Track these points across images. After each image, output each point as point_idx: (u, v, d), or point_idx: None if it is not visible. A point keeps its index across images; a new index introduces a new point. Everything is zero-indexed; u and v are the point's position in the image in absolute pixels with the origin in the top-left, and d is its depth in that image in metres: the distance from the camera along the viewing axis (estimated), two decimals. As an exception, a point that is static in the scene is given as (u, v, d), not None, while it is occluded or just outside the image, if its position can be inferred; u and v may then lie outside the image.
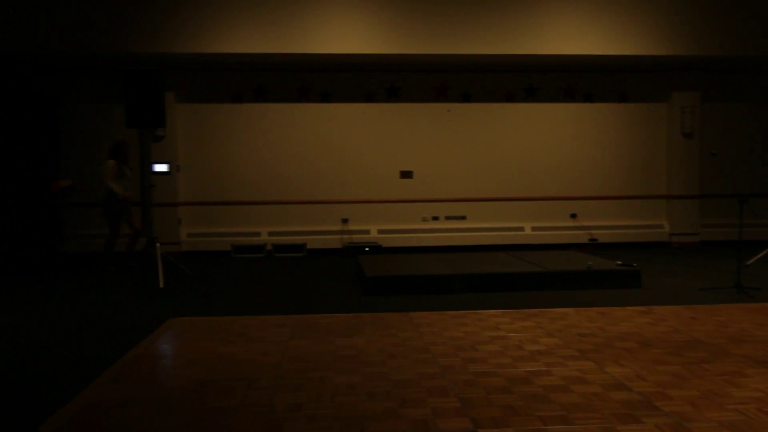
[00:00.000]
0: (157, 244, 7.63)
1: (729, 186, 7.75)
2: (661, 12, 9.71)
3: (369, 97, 10.45)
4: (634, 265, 7.45)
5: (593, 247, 10.41)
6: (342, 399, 3.70)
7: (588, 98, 10.76)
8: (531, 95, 10.68)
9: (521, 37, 9.54)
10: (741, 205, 6.90)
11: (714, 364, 4.29)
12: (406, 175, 10.48)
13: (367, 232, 10.40)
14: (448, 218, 10.46)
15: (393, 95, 10.48)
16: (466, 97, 10.58)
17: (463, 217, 10.53)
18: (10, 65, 9.10)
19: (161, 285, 7.24)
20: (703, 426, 3.28)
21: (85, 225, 9.97)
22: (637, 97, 10.85)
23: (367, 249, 9.88)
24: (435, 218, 10.49)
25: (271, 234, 10.30)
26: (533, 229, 10.61)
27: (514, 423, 3.33)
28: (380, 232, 10.38)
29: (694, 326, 5.35)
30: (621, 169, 10.81)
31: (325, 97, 10.39)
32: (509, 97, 10.65)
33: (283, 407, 3.58)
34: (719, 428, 3.25)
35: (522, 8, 9.53)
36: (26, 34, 8.98)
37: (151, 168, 8.36)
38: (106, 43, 9.14)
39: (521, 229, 10.56)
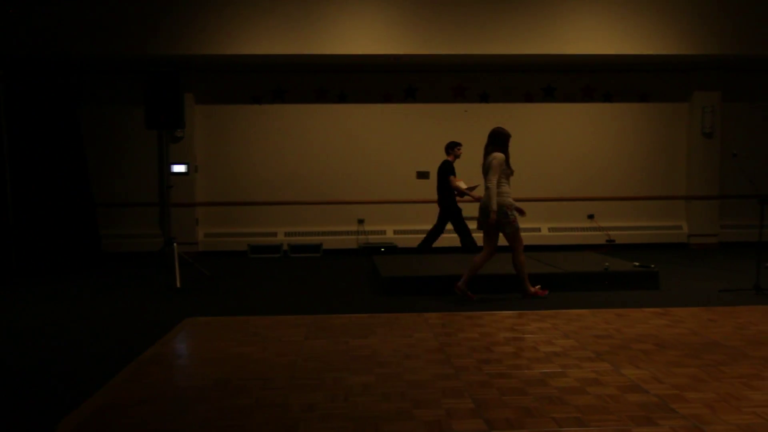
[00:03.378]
0: (175, 244, 7.70)
1: (749, 187, 7.64)
2: (681, 11, 9.60)
3: (386, 98, 10.46)
4: (652, 266, 7.38)
5: (611, 248, 10.33)
6: (356, 399, 3.71)
7: (607, 98, 10.68)
8: (549, 95, 10.62)
9: (539, 37, 9.49)
10: (762, 206, 6.81)
11: (732, 367, 4.24)
12: (422, 175, 10.46)
13: (383, 232, 10.40)
14: (465, 219, 10.41)
15: (410, 96, 10.48)
16: (483, 98, 10.55)
17: (475, 218, 10.48)
18: (33, 67, 9.22)
19: (178, 285, 7.30)
20: (720, 429, 3.24)
21: (104, 225, 10.07)
22: (656, 96, 10.74)
23: (382, 249, 9.88)
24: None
25: (287, 234, 10.34)
26: (550, 230, 10.56)
27: (529, 425, 3.32)
28: (396, 232, 10.38)
29: (712, 328, 5.29)
30: (639, 169, 10.72)
31: (343, 98, 10.42)
32: (528, 98, 10.60)
33: (298, 407, 3.60)
34: (736, 431, 3.21)
35: (540, 8, 9.48)
36: (48, 36, 9.10)
37: (169, 168, 8.43)
38: (126, 45, 9.24)
39: (538, 230, 10.50)
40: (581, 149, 10.59)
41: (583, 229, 10.56)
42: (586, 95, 10.66)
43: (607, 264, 7.31)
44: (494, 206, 6.33)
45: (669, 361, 4.40)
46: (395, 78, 10.45)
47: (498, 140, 6.58)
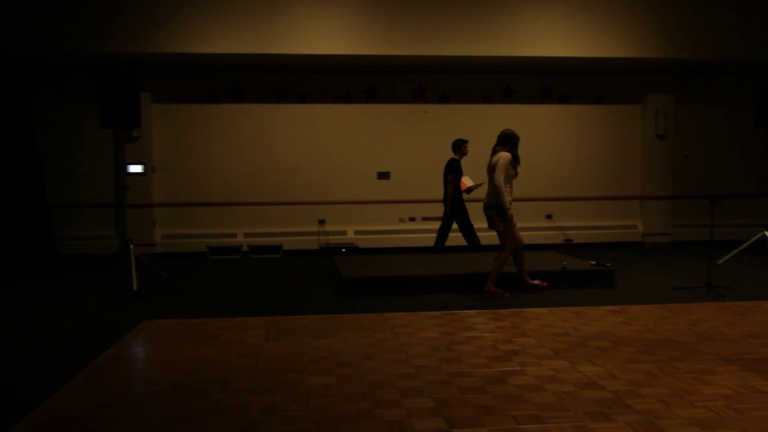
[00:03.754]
0: (131, 246, 7.56)
1: (701, 187, 7.87)
2: (636, 15, 9.81)
3: (347, 98, 10.44)
4: (608, 265, 7.53)
5: (568, 247, 10.50)
6: (317, 400, 3.70)
7: (564, 100, 10.85)
8: (508, 96, 10.74)
9: (498, 38, 9.59)
10: (712, 205, 7.01)
11: (684, 363, 4.36)
12: (383, 175, 10.49)
13: (344, 233, 10.38)
14: (425, 219, 10.48)
15: (371, 96, 10.48)
16: (443, 99, 10.62)
17: (440, 218, 10.55)
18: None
19: (135, 287, 7.17)
20: (673, 423, 3.32)
21: (70, 226, 9.82)
22: (612, 98, 10.96)
23: (343, 250, 9.86)
24: (412, 219, 10.51)
25: (247, 235, 10.24)
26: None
27: (488, 423, 3.35)
28: (357, 233, 10.37)
29: (666, 325, 5.42)
30: (596, 170, 10.91)
31: (303, 98, 10.36)
32: (487, 99, 10.70)
33: (257, 409, 3.57)
34: (689, 425, 3.30)
35: (499, 10, 9.58)
36: (-3, 32, 8.85)
37: (125, 169, 8.27)
38: (81, 43, 9.01)
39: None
40: (540, 150, 10.73)
41: (541, 228, 10.71)
42: (544, 96, 10.82)
43: (564, 263, 7.43)
44: (507, 204, 6.58)
45: (624, 357, 4.50)
46: (356, 78, 10.44)
47: (507, 141, 6.76)
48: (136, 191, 9.33)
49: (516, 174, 6.76)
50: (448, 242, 9.07)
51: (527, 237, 10.57)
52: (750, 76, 10.65)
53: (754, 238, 8.68)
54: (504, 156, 6.62)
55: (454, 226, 8.91)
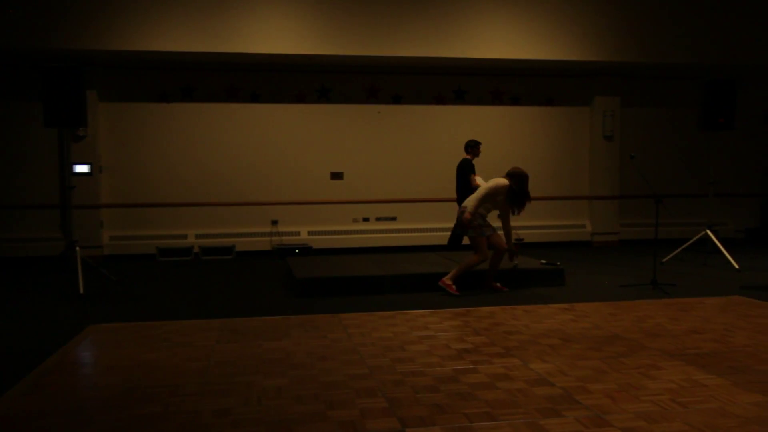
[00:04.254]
0: (77, 248, 7.36)
1: (646, 187, 8.09)
2: (585, 18, 10.03)
3: (299, 98, 10.38)
4: (558, 263, 7.67)
5: (519, 246, 10.64)
6: (269, 403, 3.67)
7: (515, 101, 11.01)
8: (460, 98, 10.84)
9: (450, 39, 9.67)
10: (657, 205, 7.21)
11: (631, 358, 4.47)
12: (336, 176, 10.46)
13: (297, 233, 10.32)
14: (378, 219, 10.51)
15: (324, 96, 10.45)
16: (396, 99, 10.65)
17: (393, 218, 10.60)
18: None
19: (81, 290, 6.97)
20: (620, 417, 3.41)
21: (12, 228, 9.50)
22: (561, 100, 11.17)
23: (297, 251, 9.81)
24: (365, 219, 10.51)
25: (198, 236, 10.08)
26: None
27: (441, 421, 3.38)
28: (311, 233, 10.32)
29: (614, 322, 5.55)
30: (547, 170, 11.10)
31: (255, 98, 10.25)
32: (439, 100, 10.78)
33: (209, 413, 3.52)
34: (635, 419, 3.39)
35: (450, 11, 9.66)
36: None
37: (71, 169, 8.03)
38: (25, 38, 8.72)
39: (451, 229, 10.69)
40: (491, 151, 10.82)
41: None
42: (496, 98, 10.96)
43: (515, 262, 7.54)
44: (470, 207, 6.72)
45: (574, 354, 4.59)
46: (308, 78, 10.38)
47: (513, 177, 6.90)
48: (82, 192, 9.10)
49: (516, 211, 6.94)
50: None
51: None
52: (693, 80, 11.00)
53: (697, 237, 8.97)
54: (500, 182, 6.85)
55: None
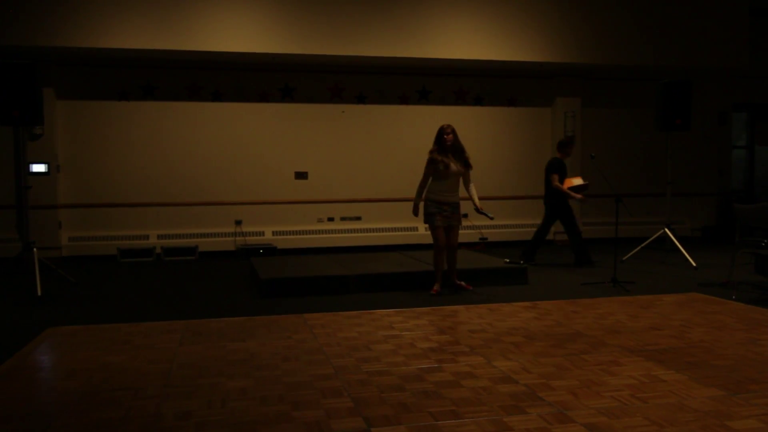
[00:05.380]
0: (34, 249, 7.18)
1: (606, 186, 8.25)
2: (546, 20, 10.16)
3: (263, 97, 10.29)
4: (521, 262, 7.77)
5: (483, 245, 10.75)
6: (233, 404, 3.63)
7: (479, 101, 11.10)
8: (424, 98, 10.89)
9: (413, 39, 9.70)
10: (617, 204, 7.34)
11: (592, 355, 4.55)
12: (300, 175, 10.41)
13: (262, 233, 10.24)
14: (343, 219, 10.49)
15: (287, 95, 10.38)
16: (360, 99, 10.64)
17: (358, 218, 10.59)
18: None
19: (39, 292, 6.81)
20: (583, 413, 3.46)
21: None
22: (523, 101, 11.30)
23: (261, 251, 9.73)
24: (330, 219, 10.48)
25: (160, 237, 9.92)
26: (426, 229, 10.75)
27: (407, 420, 3.39)
28: (275, 233, 10.25)
29: (576, 319, 5.64)
30: (510, 170, 11.20)
31: (217, 96, 10.14)
32: (403, 100, 10.81)
33: (172, 416, 3.47)
34: (597, 415, 3.44)
35: (414, 12, 9.69)
36: None
37: (27, 168, 7.84)
38: (-25, 33, 8.50)
39: (415, 229, 10.73)
40: (455, 150, 10.93)
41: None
42: (459, 98, 11.03)
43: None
44: (416, 197, 7.03)
45: (537, 351, 4.65)
46: (272, 77, 10.31)
47: (435, 141, 6.93)
48: (39, 191, 8.88)
49: (448, 173, 6.80)
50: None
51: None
52: (652, 81, 11.19)
53: (656, 235, 9.16)
54: (428, 158, 6.88)
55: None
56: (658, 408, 3.54)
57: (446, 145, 6.84)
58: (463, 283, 7.09)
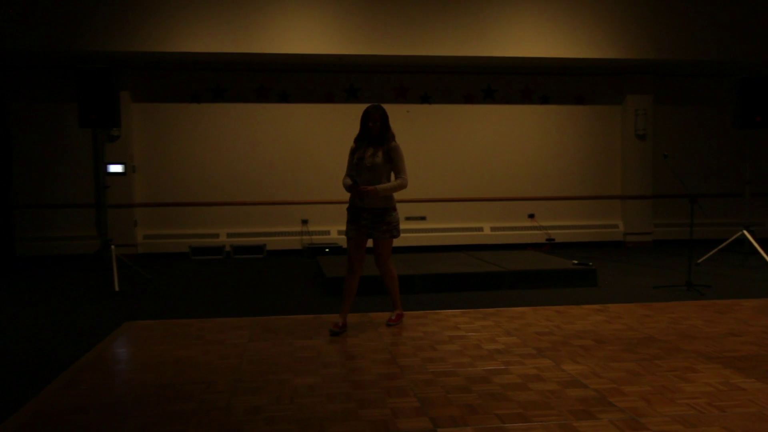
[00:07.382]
0: (112, 247, 7.48)
1: (680, 186, 7.96)
2: (616, 16, 9.91)
3: (328, 98, 10.41)
4: (590, 264, 7.59)
5: (550, 246, 10.56)
6: (301, 401, 3.68)
7: (545, 100, 10.91)
8: (489, 97, 10.78)
9: (479, 39, 9.62)
10: (692, 205, 7.08)
11: (666, 360, 4.39)
12: (366, 175, 10.44)
13: (327, 233, 10.36)
14: (408, 219, 10.49)
15: (352, 96, 10.47)
16: (425, 99, 10.63)
17: (423, 218, 10.58)
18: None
19: (117, 288, 7.09)
20: (656, 420, 3.35)
21: (37, 227, 9.71)
22: (592, 99, 11.04)
23: (327, 250, 9.84)
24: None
25: (230, 235, 10.18)
26: (492, 229, 10.71)
27: (473, 421, 3.36)
28: (340, 233, 10.33)
29: (648, 323, 5.47)
30: (577, 170, 10.99)
31: (284, 97, 10.32)
32: (468, 99, 10.73)
33: (241, 410, 3.54)
34: (671, 423, 3.32)
35: (480, 10, 9.61)
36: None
37: (105, 169, 8.17)
38: (58, 40, 8.90)
39: (480, 229, 10.65)
40: (521, 150, 10.79)
41: (523, 228, 10.76)
42: (525, 97, 10.87)
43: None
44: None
45: (607, 356, 4.53)
46: (337, 78, 10.42)
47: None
48: (116, 191, 9.24)
49: (358, 165, 5.46)
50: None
51: (511, 237, 10.66)
52: (727, 77, 10.78)
53: (733, 237, 8.79)
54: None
55: None
56: (738, 417, 3.39)
57: (371, 134, 5.41)
58: (393, 317, 5.52)
